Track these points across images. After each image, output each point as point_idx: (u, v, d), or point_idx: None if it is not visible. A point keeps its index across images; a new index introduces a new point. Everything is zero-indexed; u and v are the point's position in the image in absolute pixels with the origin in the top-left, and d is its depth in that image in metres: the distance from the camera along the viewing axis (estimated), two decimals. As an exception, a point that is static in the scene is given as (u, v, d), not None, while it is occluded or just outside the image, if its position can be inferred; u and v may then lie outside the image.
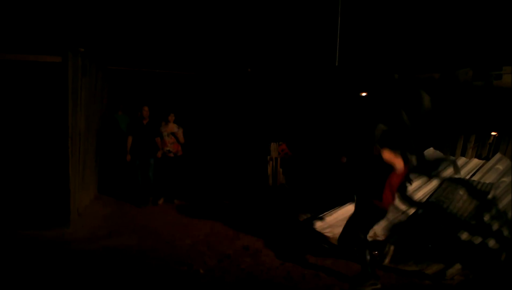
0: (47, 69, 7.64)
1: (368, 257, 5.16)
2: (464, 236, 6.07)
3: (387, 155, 5.27)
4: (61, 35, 7.66)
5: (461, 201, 6.90)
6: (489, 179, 7.32)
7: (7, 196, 7.69)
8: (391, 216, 6.95)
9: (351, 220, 5.62)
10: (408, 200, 7.47)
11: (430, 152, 8.37)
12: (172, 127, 9.17)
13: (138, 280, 5.30)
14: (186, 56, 10.54)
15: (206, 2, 10.68)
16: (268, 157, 8.32)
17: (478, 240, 5.97)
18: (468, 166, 7.84)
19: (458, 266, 5.48)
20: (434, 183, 7.63)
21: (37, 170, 8.17)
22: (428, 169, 7.97)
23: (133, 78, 11.19)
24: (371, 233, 6.25)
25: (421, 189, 7.62)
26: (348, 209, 7.43)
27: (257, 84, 11.79)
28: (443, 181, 7.49)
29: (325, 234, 6.80)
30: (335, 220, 7.25)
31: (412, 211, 7.24)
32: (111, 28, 9.67)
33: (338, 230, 6.97)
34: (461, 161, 8.00)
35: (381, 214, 5.47)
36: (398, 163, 5.24)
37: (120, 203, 9.07)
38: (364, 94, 9.94)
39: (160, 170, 9.10)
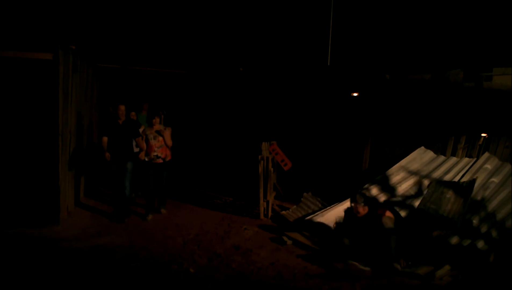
0: (38, 66, 7.62)
1: None
2: (454, 239, 6.12)
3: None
4: (52, 32, 7.61)
5: (449, 204, 6.93)
6: (478, 179, 7.37)
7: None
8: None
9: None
10: (398, 202, 7.51)
11: (421, 151, 8.43)
12: (158, 127, 8.10)
13: (128, 279, 5.28)
14: (178, 54, 10.50)
15: (199, 1, 10.64)
16: (259, 156, 8.30)
17: (467, 242, 6.02)
18: (458, 166, 7.88)
19: (447, 267, 5.54)
20: (424, 184, 7.67)
21: (26, 168, 8.14)
22: (419, 170, 8.03)
23: (124, 76, 11.16)
24: None
25: (411, 190, 7.66)
26: (339, 210, 7.48)
27: (249, 84, 11.80)
28: (430, 183, 7.53)
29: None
30: (326, 221, 7.29)
31: (402, 213, 7.27)
32: (102, 26, 9.59)
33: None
34: (451, 161, 8.05)
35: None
36: None
37: (111, 202, 9.04)
38: (355, 94, 9.97)
39: (146, 177, 8.13)
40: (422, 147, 8.50)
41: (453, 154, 8.25)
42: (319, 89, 10.64)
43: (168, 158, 8.23)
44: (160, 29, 10.45)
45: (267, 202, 8.36)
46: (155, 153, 8.04)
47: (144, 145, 7.98)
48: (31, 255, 5.92)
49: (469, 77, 8.29)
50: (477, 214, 6.50)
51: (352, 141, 9.68)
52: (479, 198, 6.86)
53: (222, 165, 11.87)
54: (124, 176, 7.84)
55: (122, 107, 7.88)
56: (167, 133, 8.15)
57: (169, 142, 8.17)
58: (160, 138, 8.06)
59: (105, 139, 7.81)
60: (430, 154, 8.35)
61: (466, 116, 8.26)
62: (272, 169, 8.47)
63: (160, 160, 8.08)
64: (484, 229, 6.24)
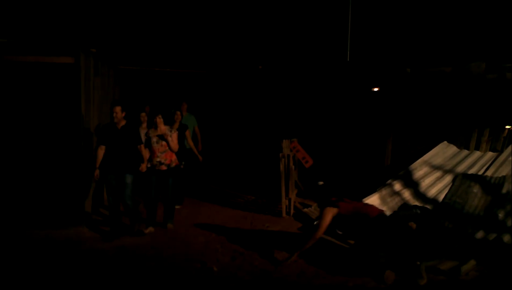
0: (60, 70, 7.74)
1: None
2: (480, 234, 6.02)
3: None
4: (73, 36, 7.72)
5: (476, 199, 6.84)
6: (503, 172, 7.25)
7: (23, 195, 7.81)
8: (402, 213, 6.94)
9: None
10: (421, 197, 7.43)
11: (443, 145, 8.33)
12: (162, 130, 7.10)
13: (152, 278, 5.33)
14: (197, 54, 10.55)
15: (217, 0, 10.68)
16: (280, 154, 8.29)
17: (492, 236, 5.92)
18: (482, 160, 7.78)
19: (472, 262, 5.45)
20: (448, 179, 7.58)
21: (51, 170, 8.25)
22: (442, 165, 7.93)
23: (144, 78, 11.25)
24: None
25: (434, 185, 7.58)
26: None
27: (268, 81, 11.79)
28: (456, 177, 7.43)
29: (339, 232, 6.81)
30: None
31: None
32: (122, 28, 9.70)
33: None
34: (475, 155, 7.94)
35: None
36: None
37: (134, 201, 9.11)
38: (376, 89, 9.89)
39: (148, 185, 7.24)
40: (445, 142, 8.39)
41: (477, 147, 8.13)
42: (339, 85, 10.58)
43: (174, 164, 7.28)
44: (179, 30, 10.52)
45: (289, 200, 8.35)
46: (158, 159, 7.09)
47: (146, 154, 7.05)
48: (57, 255, 6.01)
49: (491, 68, 8.16)
50: (503, 208, 6.39)
51: (373, 137, 9.60)
52: (504, 191, 6.75)
53: (243, 164, 11.88)
54: (123, 192, 6.84)
55: (118, 109, 6.75)
56: (173, 137, 7.20)
57: (175, 147, 7.19)
58: (164, 142, 7.10)
59: (100, 149, 6.82)
60: (453, 148, 8.25)
61: (489, 109, 8.13)
62: (293, 166, 8.46)
63: (164, 167, 7.13)
64: (510, 222, 6.13)
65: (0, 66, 7.67)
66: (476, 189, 7.03)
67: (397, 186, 7.77)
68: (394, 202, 7.46)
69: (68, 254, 6.08)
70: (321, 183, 6.67)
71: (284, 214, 8.27)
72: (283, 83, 11.58)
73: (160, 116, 7.08)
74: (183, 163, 8.20)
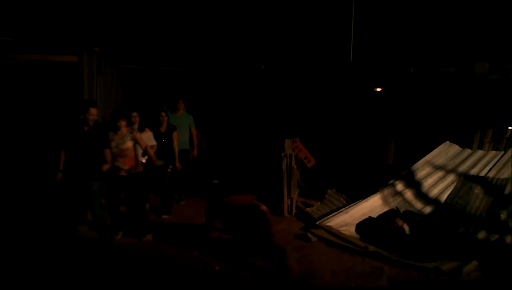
0: (64, 68, 7.75)
1: None
2: (482, 235, 6.02)
3: None
4: (76, 35, 7.74)
5: (477, 200, 6.84)
6: (505, 174, 7.24)
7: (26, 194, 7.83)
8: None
9: None
10: (424, 197, 7.43)
11: (446, 145, 8.32)
12: (124, 131, 6.56)
13: (153, 278, 5.34)
14: (200, 54, 10.56)
15: (220, 0, 10.68)
16: (283, 153, 8.30)
17: (494, 237, 5.92)
18: (485, 159, 7.77)
19: (474, 263, 5.45)
20: (450, 179, 7.57)
21: (53, 169, 8.26)
22: (445, 164, 7.93)
23: (147, 77, 11.26)
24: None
25: (437, 185, 7.58)
26: (364, 207, 7.45)
27: (271, 81, 11.79)
28: (459, 178, 7.43)
29: (343, 232, 6.82)
30: (351, 218, 7.26)
31: (428, 209, 7.20)
32: (125, 27, 9.72)
33: (354, 229, 7.03)
34: (478, 154, 7.93)
35: None
36: None
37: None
38: (379, 89, 9.88)
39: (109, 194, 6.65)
40: (447, 142, 8.39)
41: (479, 148, 8.12)
42: (342, 85, 10.58)
43: (138, 170, 6.69)
44: (183, 29, 10.52)
45: (291, 199, 8.36)
46: (117, 163, 6.49)
47: (109, 157, 6.41)
48: (59, 253, 6.03)
49: (495, 69, 8.14)
50: (505, 209, 6.39)
51: (376, 137, 9.59)
52: (507, 192, 6.74)
53: (245, 163, 11.88)
54: (91, 201, 6.24)
55: (93, 111, 6.16)
56: (139, 138, 6.68)
57: (144, 144, 6.68)
58: (125, 146, 6.51)
59: (63, 153, 6.29)
60: (455, 148, 8.24)
61: (492, 109, 8.12)
62: (295, 166, 8.46)
63: (124, 173, 6.54)
64: (512, 223, 6.13)
65: (4, 64, 7.70)
66: (478, 190, 7.02)
67: (399, 186, 7.77)
68: (396, 202, 7.46)
69: (70, 253, 6.09)
70: (215, 181, 6.94)
71: (286, 214, 8.27)
72: (285, 83, 11.58)
73: (124, 119, 6.56)
74: (170, 166, 8.06)
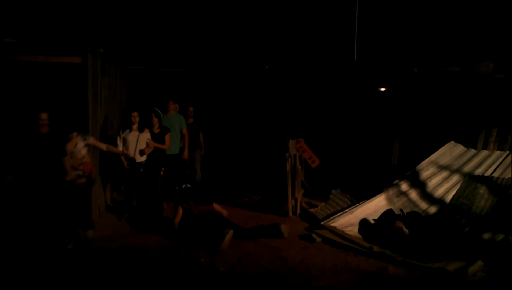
0: (68, 70, 7.76)
1: None
2: (487, 235, 6.00)
3: None
4: (81, 36, 7.75)
5: (482, 200, 6.83)
6: (510, 173, 7.23)
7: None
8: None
9: None
10: (428, 197, 7.42)
11: (450, 145, 8.30)
12: (75, 140, 6.53)
13: (158, 277, 5.35)
14: (204, 54, 10.57)
15: (224, 1, 10.69)
16: (287, 154, 8.29)
17: (500, 237, 5.90)
18: (489, 159, 7.75)
19: (480, 263, 5.43)
20: (455, 179, 7.56)
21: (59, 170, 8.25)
22: (449, 164, 7.91)
23: (151, 77, 11.28)
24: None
25: (441, 185, 7.56)
26: (368, 207, 7.44)
27: (275, 81, 11.79)
28: (463, 178, 7.41)
29: (347, 232, 6.81)
30: (355, 218, 7.25)
31: (433, 209, 7.19)
32: (129, 29, 9.73)
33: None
34: (482, 154, 7.91)
35: None
36: None
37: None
38: (383, 89, 9.86)
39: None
40: (452, 141, 8.37)
41: (484, 148, 8.12)
42: (346, 85, 10.56)
43: (94, 175, 6.81)
44: (186, 30, 10.53)
45: (295, 200, 8.35)
46: (76, 172, 6.46)
47: (67, 165, 6.30)
48: (65, 254, 6.05)
49: (499, 68, 8.12)
50: (511, 209, 6.37)
51: (380, 137, 9.58)
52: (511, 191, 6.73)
53: (249, 163, 11.88)
54: (37, 209, 6.08)
55: (44, 116, 6.03)
56: (94, 142, 6.88)
57: (103, 146, 6.95)
58: (80, 154, 6.50)
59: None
60: (460, 148, 8.23)
61: (497, 109, 8.09)
62: (299, 166, 8.45)
63: (84, 179, 6.54)
64: (518, 223, 6.12)
65: (9, 66, 7.71)
66: (483, 190, 7.01)
67: (404, 186, 7.76)
68: (401, 202, 7.45)
69: (76, 253, 6.11)
70: (188, 185, 7.39)
71: (290, 214, 8.26)
72: (289, 83, 11.58)
73: (75, 133, 6.51)
74: (162, 169, 8.18)
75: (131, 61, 9.92)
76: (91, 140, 6.77)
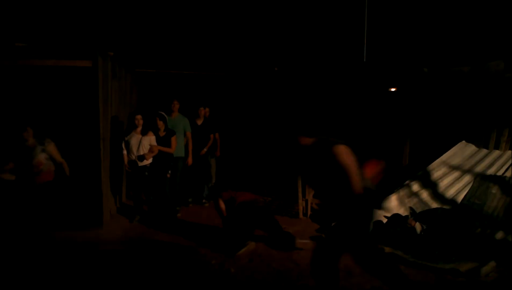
0: (79, 73, 7.82)
1: None
2: (499, 235, 5.95)
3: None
4: (91, 40, 7.81)
5: (495, 200, 6.76)
6: (523, 173, 7.17)
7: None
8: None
9: None
10: (440, 198, 7.36)
11: (462, 145, 8.24)
12: (31, 142, 6.37)
13: (169, 278, 5.37)
14: (213, 56, 10.59)
15: (233, 2, 10.71)
16: (296, 155, 8.28)
17: (512, 237, 5.85)
18: (502, 159, 7.69)
19: (492, 264, 5.38)
20: (466, 179, 7.50)
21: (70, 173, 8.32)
22: (461, 164, 7.85)
23: (161, 80, 11.32)
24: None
25: (453, 185, 7.50)
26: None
27: (284, 83, 11.78)
28: (475, 178, 7.35)
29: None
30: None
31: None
32: (139, 32, 9.78)
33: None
34: (494, 154, 7.85)
35: None
36: None
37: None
38: (393, 89, 9.82)
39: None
40: (463, 141, 8.31)
41: (496, 147, 8.04)
42: (356, 85, 10.53)
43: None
44: (196, 32, 10.57)
45: (306, 201, 8.33)
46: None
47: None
48: (78, 257, 6.09)
49: (510, 67, 8.05)
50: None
51: (391, 137, 9.53)
52: (525, 192, 6.67)
53: (260, 165, 11.87)
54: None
55: (30, 131, 6.13)
56: (53, 151, 6.54)
57: (59, 159, 6.57)
58: (35, 161, 6.37)
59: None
60: (471, 148, 8.16)
61: (508, 108, 8.02)
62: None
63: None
64: (531, 223, 6.05)
65: (20, 70, 7.78)
66: (495, 190, 6.94)
67: (415, 186, 7.71)
68: (412, 203, 7.40)
69: (88, 256, 6.14)
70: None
71: (301, 216, 8.25)
72: (299, 85, 11.56)
73: (28, 130, 6.31)
74: (169, 172, 8.14)
75: (142, 64, 9.96)
76: (49, 148, 6.49)
